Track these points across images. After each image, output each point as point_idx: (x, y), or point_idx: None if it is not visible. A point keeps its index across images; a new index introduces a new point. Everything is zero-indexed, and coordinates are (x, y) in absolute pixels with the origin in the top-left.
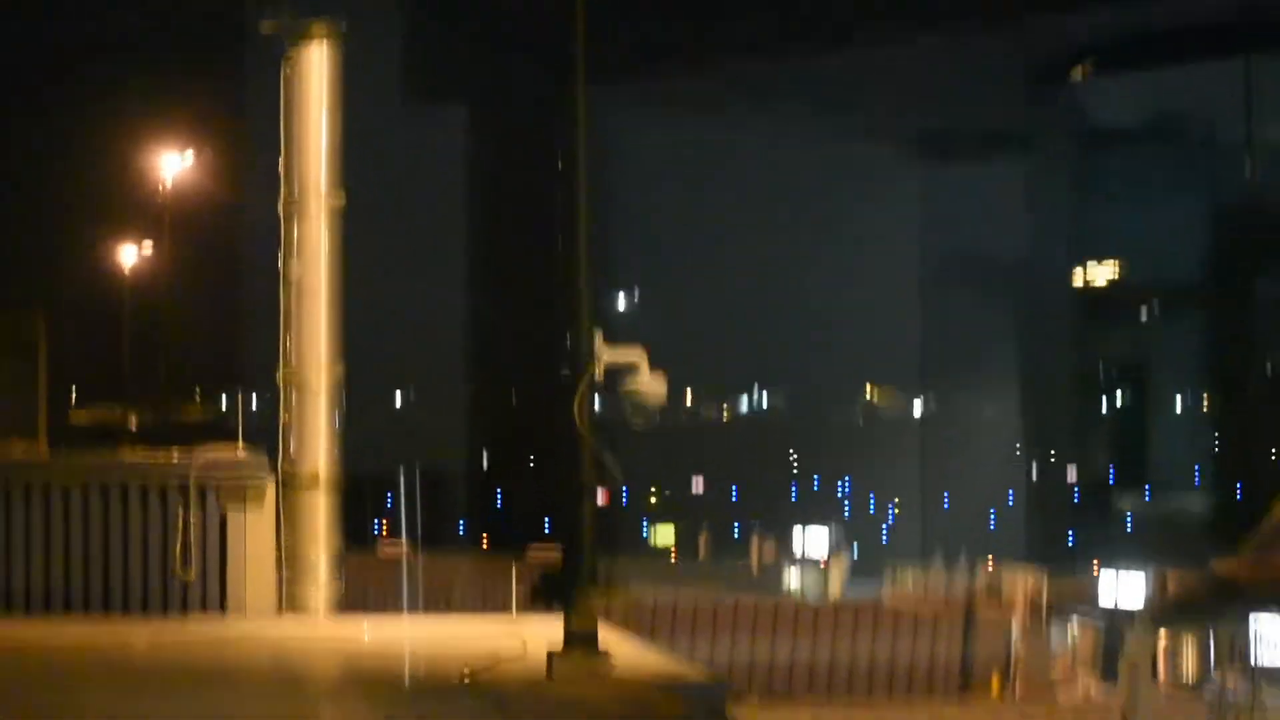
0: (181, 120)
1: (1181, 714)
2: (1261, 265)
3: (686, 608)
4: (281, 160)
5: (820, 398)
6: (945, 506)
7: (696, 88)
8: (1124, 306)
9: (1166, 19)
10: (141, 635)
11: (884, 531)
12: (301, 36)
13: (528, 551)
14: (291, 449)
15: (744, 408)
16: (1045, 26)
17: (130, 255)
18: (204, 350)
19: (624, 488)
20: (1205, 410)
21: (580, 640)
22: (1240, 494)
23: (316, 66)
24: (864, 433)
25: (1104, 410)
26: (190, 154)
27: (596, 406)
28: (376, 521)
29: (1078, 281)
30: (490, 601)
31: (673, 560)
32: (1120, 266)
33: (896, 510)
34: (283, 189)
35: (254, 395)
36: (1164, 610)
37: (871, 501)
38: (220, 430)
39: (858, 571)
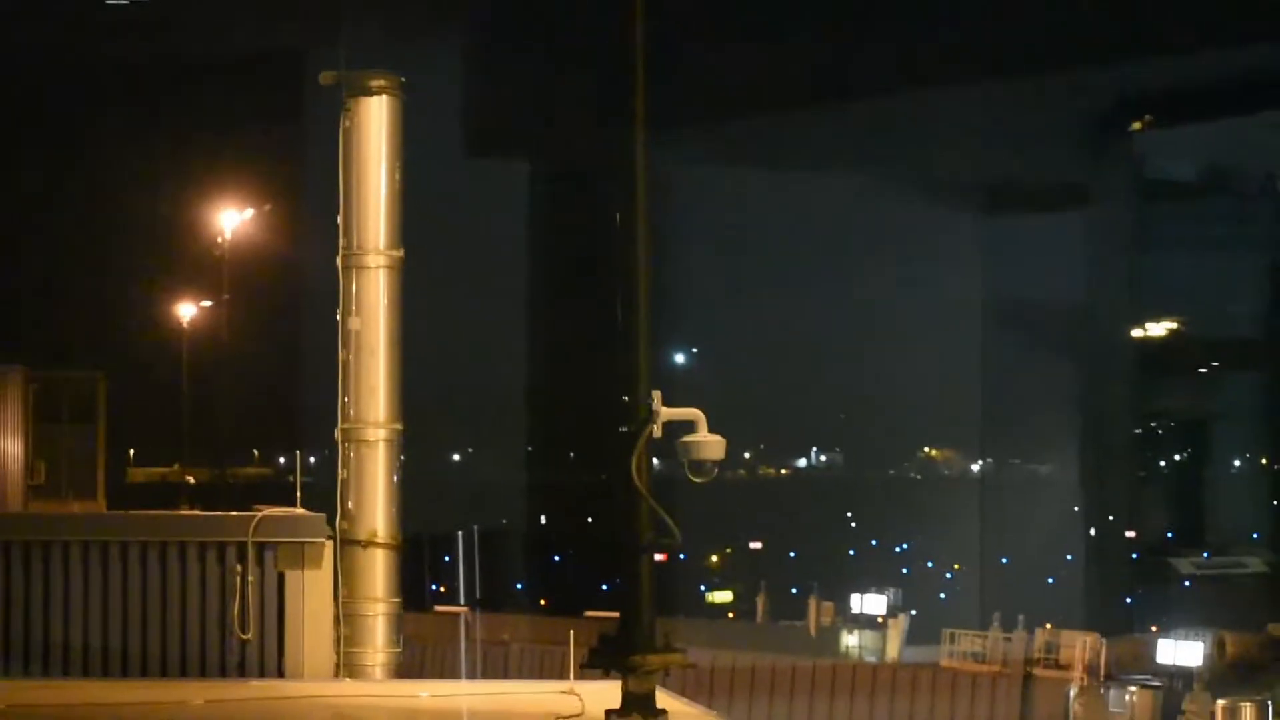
0: (240, 175)
1: None
2: None
3: (744, 669)
4: (340, 214)
5: (879, 457)
6: (1004, 566)
7: (754, 141)
8: (1182, 362)
9: (1226, 71)
10: (197, 696)
11: (942, 592)
12: (361, 89)
13: (585, 613)
14: (350, 507)
15: (802, 465)
16: (1105, 79)
17: (189, 312)
18: (262, 408)
19: (682, 553)
20: (1265, 468)
21: (638, 701)
22: None
23: (376, 119)
24: (922, 492)
25: (1162, 468)
26: (249, 209)
27: (655, 465)
28: (435, 582)
29: (1137, 334)
30: (548, 662)
31: (731, 620)
32: (1179, 321)
33: (955, 571)
34: (341, 243)
35: (312, 453)
36: (1222, 673)
37: (929, 562)
38: (278, 488)
39: (915, 633)
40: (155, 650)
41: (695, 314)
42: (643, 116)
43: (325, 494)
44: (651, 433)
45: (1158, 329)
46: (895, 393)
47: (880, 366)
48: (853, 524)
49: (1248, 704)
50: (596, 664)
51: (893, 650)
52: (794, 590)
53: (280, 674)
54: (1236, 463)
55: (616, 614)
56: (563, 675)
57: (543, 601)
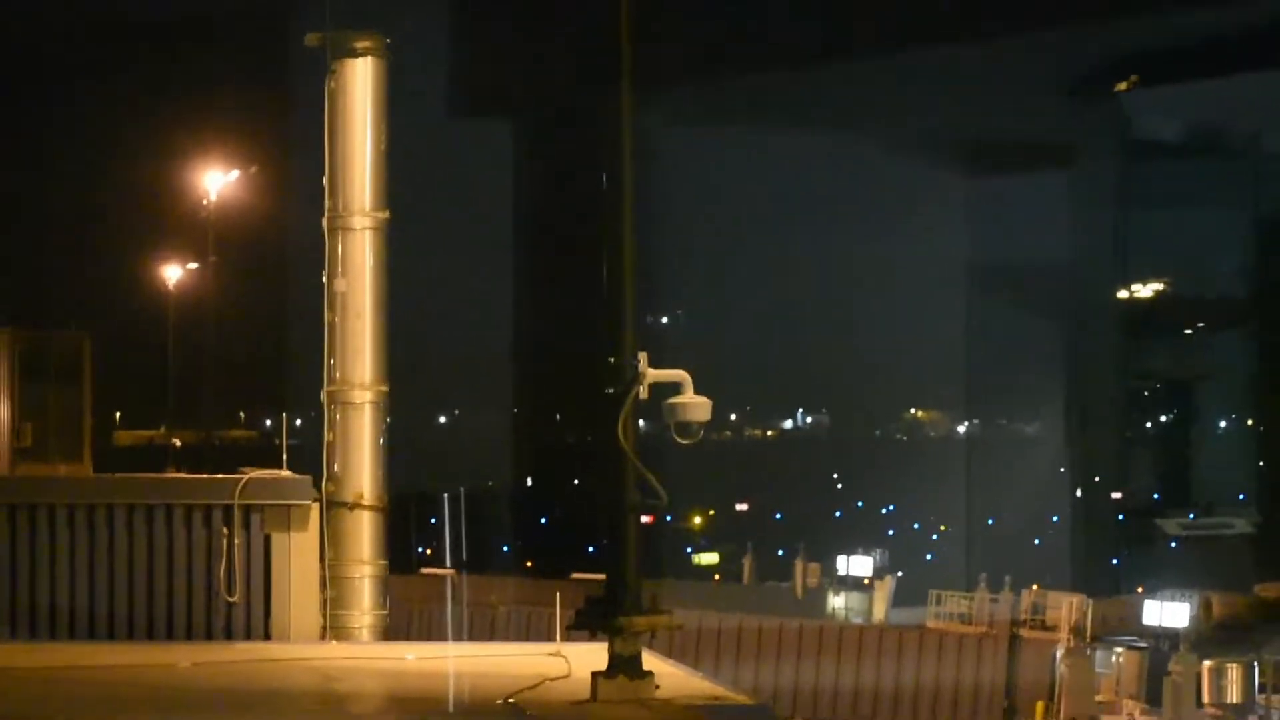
0: (225, 136)
1: None
2: None
3: (731, 631)
4: (325, 176)
5: (865, 418)
6: (990, 527)
7: (740, 102)
8: (1169, 322)
9: (1211, 32)
10: (184, 658)
11: (928, 554)
12: (346, 50)
13: (572, 574)
14: (336, 470)
15: (788, 427)
16: (1090, 40)
17: (174, 274)
18: (248, 370)
19: (668, 514)
20: (1251, 428)
21: (624, 663)
22: None
23: (361, 80)
24: (908, 453)
25: (1149, 429)
26: (234, 171)
27: (641, 426)
28: (421, 544)
29: (1123, 295)
30: (534, 624)
31: (717, 581)
32: (1165, 281)
33: (941, 532)
34: (327, 205)
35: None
36: (1208, 634)
37: (916, 523)
38: (264, 451)
39: (902, 594)
40: (142, 613)
41: (682, 276)
42: (629, 79)
43: (311, 456)
44: (638, 394)
45: (1144, 289)
46: (881, 354)
47: (866, 327)
48: (839, 485)
49: (1234, 665)
50: (583, 626)
51: (879, 611)
52: (780, 552)
53: (267, 636)
54: (1223, 423)
55: (603, 576)
56: (549, 637)
57: (529, 563)
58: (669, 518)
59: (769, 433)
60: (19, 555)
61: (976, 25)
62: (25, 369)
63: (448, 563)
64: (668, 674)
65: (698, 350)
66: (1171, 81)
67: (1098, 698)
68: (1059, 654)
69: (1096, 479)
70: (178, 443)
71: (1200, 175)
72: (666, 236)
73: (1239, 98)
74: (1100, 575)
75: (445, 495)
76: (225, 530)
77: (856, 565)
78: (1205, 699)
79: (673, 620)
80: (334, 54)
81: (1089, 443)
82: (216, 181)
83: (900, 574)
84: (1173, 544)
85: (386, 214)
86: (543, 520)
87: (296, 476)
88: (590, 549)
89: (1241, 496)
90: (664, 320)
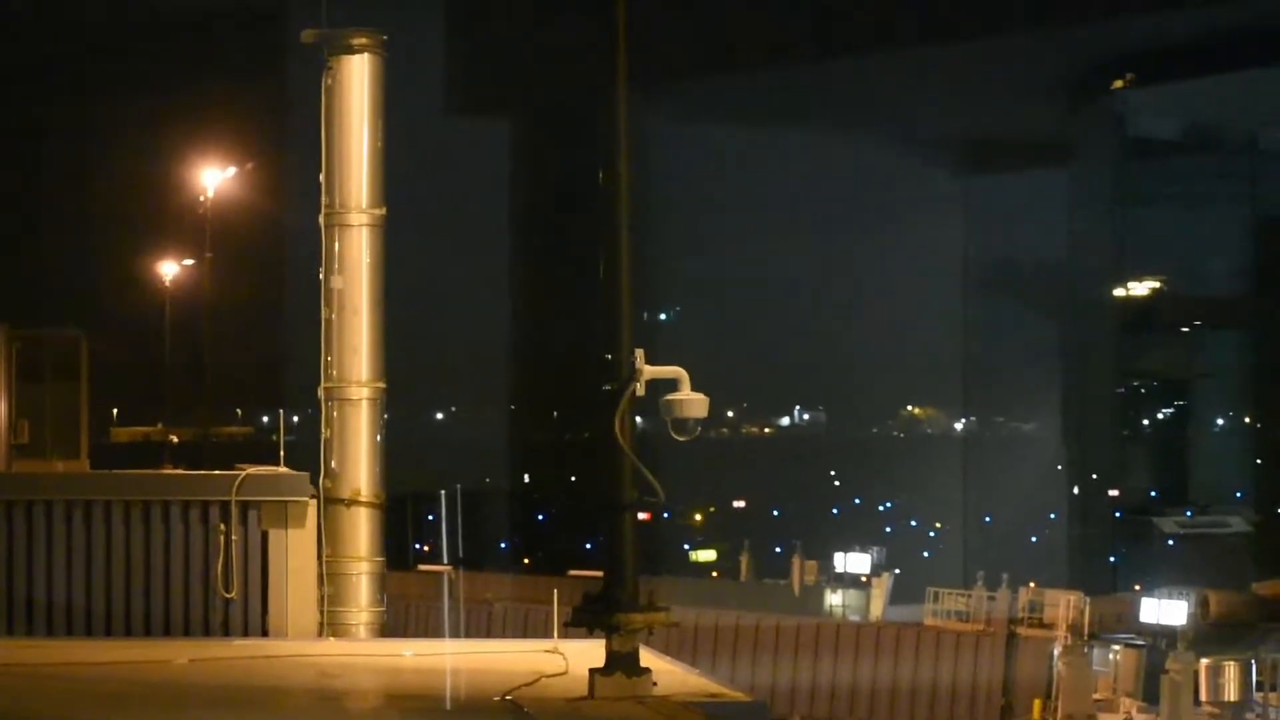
0: (222, 133)
1: None
2: None
3: (728, 628)
4: (322, 172)
5: (862, 415)
6: (988, 524)
7: (738, 99)
8: (1166, 320)
9: (1208, 29)
10: (181, 655)
11: (926, 551)
12: (343, 47)
13: (569, 571)
14: (333, 466)
15: (785, 424)
16: (1088, 37)
17: (171, 271)
18: (245, 366)
19: (665, 511)
20: (1248, 426)
21: (622, 660)
22: None
23: (358, 77)
24: (905, 451)
25: (1146, 426)
26: (231, 168)
27: (638, 423)
28: (418, 541)
29: (1119, 293)
30: (532, 621)
31: (714, 578)
32: (1162, 278)
33: (938, 530)
34: (324, 201)
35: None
36: (1205, 632)
37: (913, 521)
38: (261, 447)
39: (899, 592)
40: (139, 609)
41: (679, 273)
42: (624, 76)
43: (309, 453)
44: (635, 391)
45: (1140, 287)
46: (878, 351)
47: (863, 324)
48: (836, 482)
49: (1231, 663)
50: (580, 623)
51: (876, 609)
52: (778, 549)
53: (264, 633)
54: (1220, 421)
55: (600, 573)
56: (547, 634)
57: (526, 560)
58: (666, 515)
59: (766, 430)
60: (16, 552)
61: (973, 23)
62: (22, 367)
63: (445, 559)
64: (665, 671)
65: (695, 347)
66: (1169, 79)
67: (1095, 696)
68: (1056, 652)
69: (1094, 476)
70: (174, 439)
71: (1197, 173)
72: (664, 234)
73: (1237, 95)
74: (1097, 573)
75: (442, 492)
76: (222, 527)
77: (854, 562)
78: (1202, 697)
79: (670, 617)
80: (330, 51)
81: (1086, 440)
82: (213, 178)
83: (897, 571)
84: (1170, 542)
85: (383, 211)
86: (540, 517)
87: (294, 473)
88: (588, 546)
89: (1239, 494)
90: (661, 317)
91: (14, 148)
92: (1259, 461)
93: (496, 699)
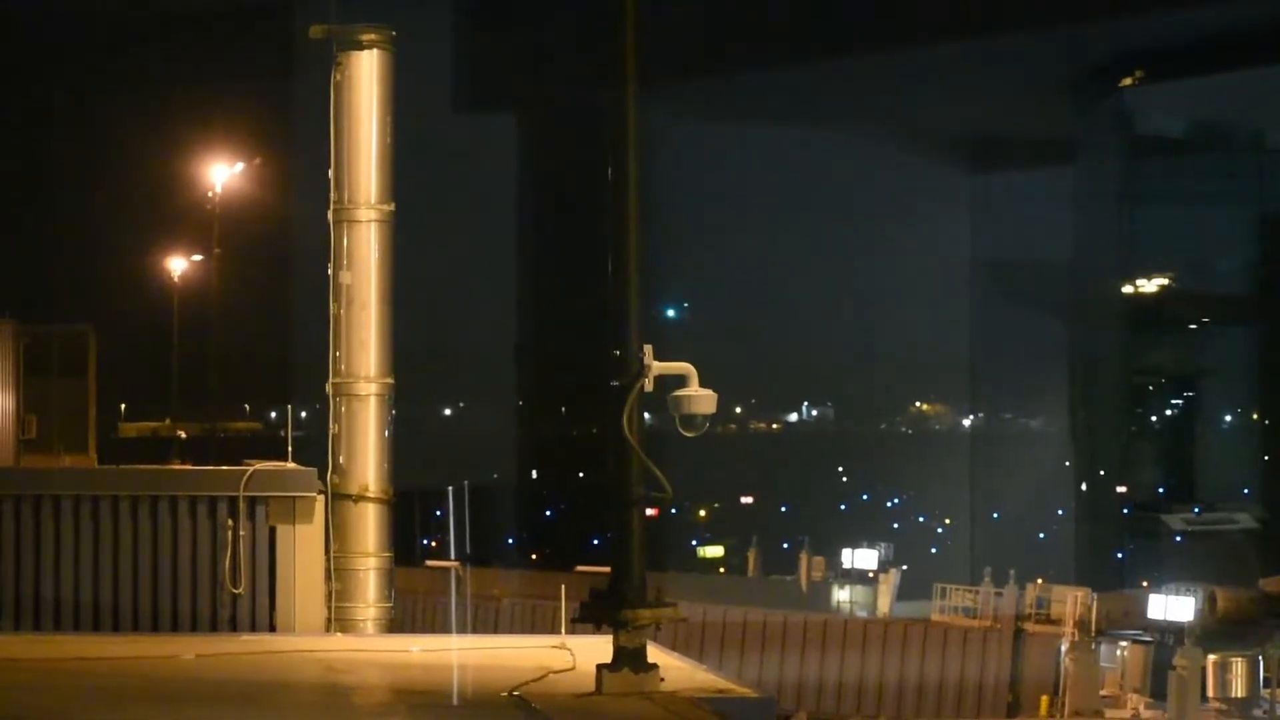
0: (231, 129)
1: None
2: None
3: (735, 624)
4: (331, 168)
5: (870, 412)
6: (995, 521)
7: (746, 97)
8: (1173, 317)
9: (1217, 27)
10: (189, 650)
11: (933, 547)
12: (352, 43)
13: (576, 567)
14: (341, 462)
15: (793, 420)
16: (1095, 34)
17: (179, 266)
18: (253, 362)
19: (673, 506)
20: (1255, 423)
21: (629, 656)
22: None
23: (367, 73)
24: (913, 447)
25: (1154, 423)
26: (240, 164)
27: (646, 419)
28: (426, 536)
29: (1127, 290)
30: (539, 616)
31: (722, 574)
32: (1170, 276)
33: (946, 526)
34: (332, 197)
35: (303, 408)
36: (1213, 628)
37: (921, 517)
38: (269, 443)
39: (907, 588)
40: (146, 604)
41: (687, 269)
42: (633, 74)
43: (317, 448)
44: (643, 387)
45: (1148, 284)
46: (886, 347)
47: (871, 321)
48: (844, 479)
49: (1239, 659)
50: (588, 618)
51: (884, 605)
52: (785, 545)
53: (271, 628)
54: (1228, 418)
55: (608, 568)
56: (554, 630)
57: (534, 556)
58: (674, 510)
59: (774, 426)
60: (24, 546)
61: (980, 21)
62: (30, 362)
63: (452, 555)
64: (672, 667)
65: (703, 343)
66: (1177, 77)
67: (1102, 691)
68: (1063, 648)
69: (1101, 473)
70: (182, 434)
71: (1205, 170)
72: (672, 230)
73: (1245, 93)
74: (1105, 569)
75: (450, 488)
76: (230, 522)
77: (861, 558)
78: (1210, 693)
79: (677, 613)
80: (339, 47)
81: (1094, 437)
82: (222, 174)
83: (905, 567)
84: (1177, 538)
85: (391, 206)
86: (547, 513)
87: (301, 469)
88: (595, 542)
89: (1246, 491)
90: (669, 314)
91: (23, 142)
92: (1266, 458)
93: (504, 694)
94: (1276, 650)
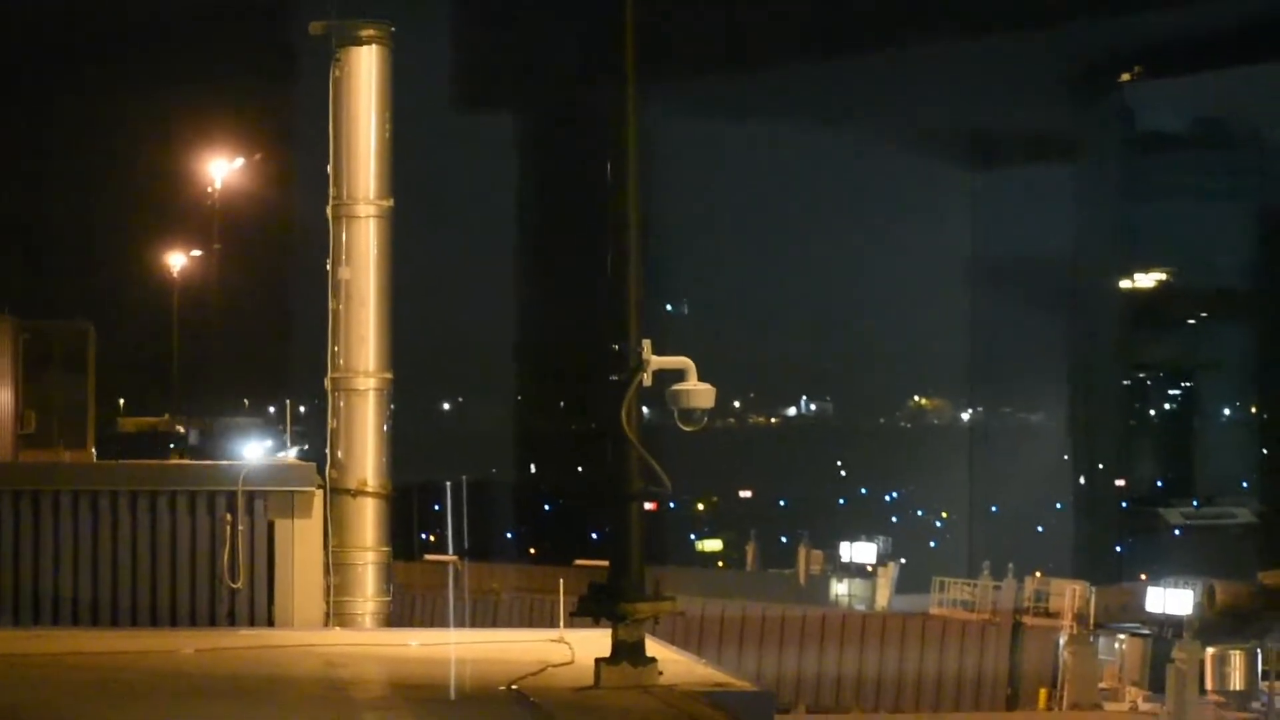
0: (230, 124)
1: None
2: None
3: (734, 618)
4: (330, 163)
5: (869, 406)
6: (994, 514)
7: (747, 95)
8: (1172, 312)
9: (1216, 24)
10: (188, 645)
11: (932, 541)
12: (351, 39)
13: (575, 561)
14: (339, 457)
15: (792, 414)
16: (1095, 32)
17: (180, 262)
18: (252, 357)
19: (671, 501)
20: (1254, 417)
21: (628, 650)
22: None
23: (366, 69)
24: (912, 441)
25: (1152, 418)
26: (239, 159)
27: (645, 413)
28: (424, 531)
29: (1126, 285)
30: (537, 610)
31: (720, 568)
32: (1168, 271)
33: (944, 520)
34: (331, 192)
35: (302, 403)
36: (1211, 622)
37: (919, 510)
38: (268, 438)
39: (905, 581)
40: (145, 599)
41: (686, 263)
42: (633, 71)
43: (316, 442)
44: (641, 381)
45: (1147, 280)
46: (885, 342)
47: (871, 316)
48: (843, 473)
49: (1237, 652)
50: (586, 612)
51: (882, 598)
52: (784, 539)
53: (270, 623)
54: (1226, 412)
55: (606, 562)
56: (553, 624)
57: (532, 550)
58: (672, 504)
59: (773, 420)
60: (22, 541)
61: (981, 19)
62: (30, 358)
63: (450, 550)
64: (671, 660)
65: (702, 338)
66: (1176, 74)
67: (1101, 685)
68: (1062, 641)
69: (1100, 467)
70: (182, 429)
71: (1204, 167)
72: (672, 225)
73: (1243, 90)
74: (1103, 563)
75: (448, 482)
76: (229, 517)
77: (860, 552)
78: (1208, 686)
79: (676, 606)
80: (339, 42)
81: (1092, 431)
82: (221, 169)
83: (903, 561)
84: (1176, 532)
85: (390, 202)
86: (546, 507)
87: (300, 463)
88: (594, 536)
89: (1244, 485)
90: (668, 308)
91: (23, 140)
92: (1265, 452)
93: (502, 689)
94: (1275, 643)
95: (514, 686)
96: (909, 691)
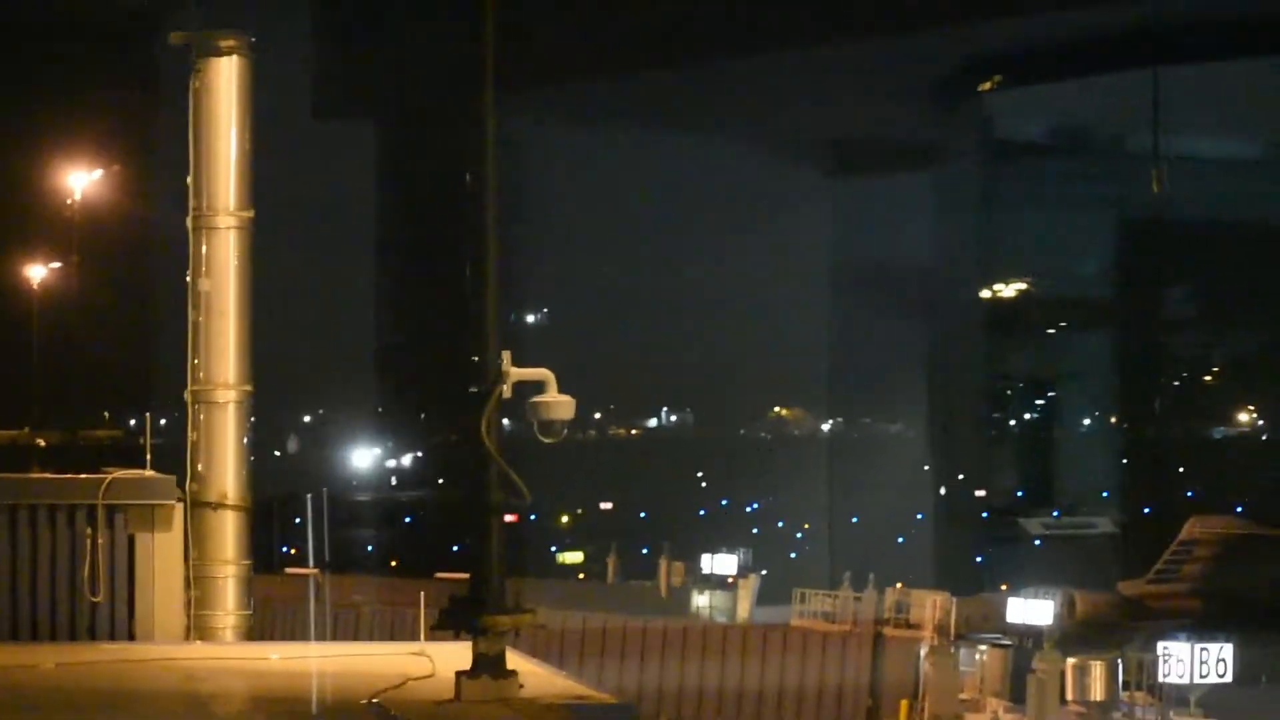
0: (90, 135)
1: None
2: (1168, 279)
3: (595, 630)
4: (190, 175)
5: (729, 417)
6: (855, 525)
7: (605, 101)
8: (1031, 321)
9: (1074, 32)
10: (48, 659)
11: (793, 552)
12: (211, 49)
13: (436, 574)
14: (200, 469)
15: (652, 425)
16: (953, 39)
17: (38, 274)
18: (113, 369)
19: (532, 513)
20: (1113, 428)
21: (488, 663)
22: (1148, 514)
23: (226, 80)
24: (772, 452)
25: (1012, 427)
26: (98, 170)
27: (505, 425)
28: (285, 544)
29: (985, 294)
30: (399, 624)
31: (581, 580)
32: (1028, 281)
33: (805, 530)
34: (191, 204)
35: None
36: (1072, 632)
37: (780, 522)
38: (128, 451)
39: (766, 593)
40: (5, 613)
41: (546, 275)
42: (491, 79)
43: (176, 456)
44: (501, 393)
45: (1006, 289)
46: (745, 353)
47: (731, 326)
48: (703, 484)
49: (1097, 662)
50: (447, 625)
51: (743, 610)
52: (645, 550)
53: (131, 637)
54: (1086, 422)
55: (467, 575)
56: (413, 637)
57: (393, 563)
58: (533, 516)
59: (633, 432)
60: None
61: (840, 25)
62: None
63: (311, 563)
64: (532, 673)
65: (562, 349)
66: (1034, 82)
67: (961, 696)
68: (923, 652)
69: (960, 477)
70: (42, 442)
71: (1063, 176)
72: (531, 235)
73: (1102, 99)
74: (964, 573)
75: (309, 496)
76: (89, 530)
77: (721, 564)
78: (1069, 696)
79: (537, 619)
80: (199, 53)
81: (952, 441)
82: (80, 180)
83: (764, 572)
84: (1036, 542)
85: (251, 213)
86: (407, 519)
87: (160, 476)
88: (455, 548)
89: (1104, 495)
90: (528, 319)
91: None
92: (1125, 462)
93: (363, 702)
94: (1135, 653)
95: (375, 700)
96: (770, 704)
